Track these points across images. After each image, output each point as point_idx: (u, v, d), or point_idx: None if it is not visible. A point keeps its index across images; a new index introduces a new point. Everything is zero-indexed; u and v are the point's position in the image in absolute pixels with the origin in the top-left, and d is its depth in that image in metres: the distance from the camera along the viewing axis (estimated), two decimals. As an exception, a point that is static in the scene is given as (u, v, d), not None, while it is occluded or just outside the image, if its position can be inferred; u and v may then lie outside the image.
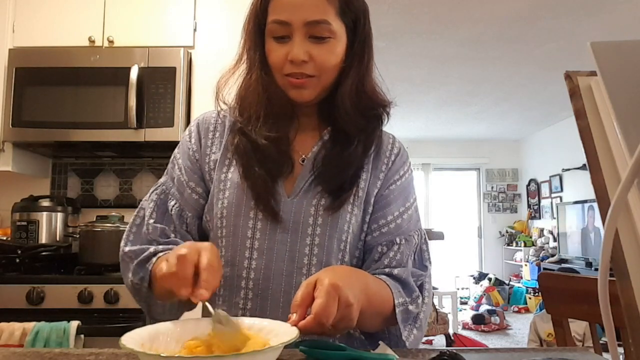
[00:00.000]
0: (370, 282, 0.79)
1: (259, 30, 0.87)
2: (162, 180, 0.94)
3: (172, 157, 0.96)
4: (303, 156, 0.90)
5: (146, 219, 0.89)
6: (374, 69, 0.91)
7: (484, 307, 5.85)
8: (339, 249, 0.86)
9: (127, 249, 0.86)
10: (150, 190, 0.93)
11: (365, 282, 0.76)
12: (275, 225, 0.85)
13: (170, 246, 0.84)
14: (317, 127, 0.93)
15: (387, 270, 0.86)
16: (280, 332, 0.64)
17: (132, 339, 0.59)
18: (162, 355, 0.56)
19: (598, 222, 5.26)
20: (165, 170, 0.96)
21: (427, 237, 0.96)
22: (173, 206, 0.89)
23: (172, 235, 0.88)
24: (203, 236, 0.93)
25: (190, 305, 0.86)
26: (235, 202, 0.86)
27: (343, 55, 0.86)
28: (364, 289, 0.73)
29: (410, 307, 0.84)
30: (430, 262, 0.93)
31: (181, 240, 0.87)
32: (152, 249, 0.83)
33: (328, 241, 0.85)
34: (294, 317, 0.65)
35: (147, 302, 0.85)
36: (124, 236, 0.89)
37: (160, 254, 0.81)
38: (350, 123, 0.88)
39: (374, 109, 0.92)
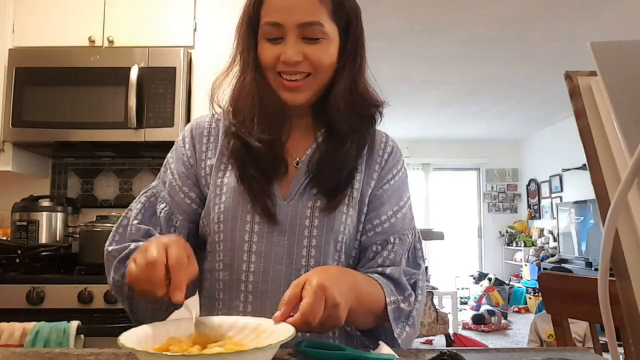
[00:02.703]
0: (360, 281, 0.80)
1: (252, 32, 0.87)
2: (153, 183, 0.94)
3: (165, 161, 0.96)
4: (297, 159, 0.90)
5: (131, 219, 0.88)
6: (366, 69, 0.92)
7: (484, 307, 5.84)
8: (335, 249, 0.87)
9: (110, 248, 0.86)
10: (140, 193, 0.93)
11: (355, 282, 0.77)
12: (272, 228, 0.85)
13: None
14: (310, 128, 0.93)
15: (380, 269, 0.87)
16: (276, 331, 0.65)
17: (130, 338, 0.59)
18: (162, 354, 0.56)
19: (598, 222, 5.26)
20: (158, 174, 0.96)
21: (420, 235, 0.96)
22: (162, 209, 0.89)
23: (158, 235, 0.87)
24: (196, 240, 0.93)
25: (176, 305, 0.86)
26: (232, 206, 0.86)
27: (336, 56, 0.87)
28: (353, 288, 0.74)
29: (402, 305, 0.84)
30: (424, 260, 0.94)
31: None
32: (132, 245, 0.83)
33: (325, 242, 0.86)
34: (277, 314, 0.67)
35: (130, 302, 0.84)
36: (110, 236, 0.89)
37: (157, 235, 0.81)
38: (344, 123, 0.88)
39: (367, 109, 0.92)
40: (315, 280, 0.67)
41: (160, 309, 0.84)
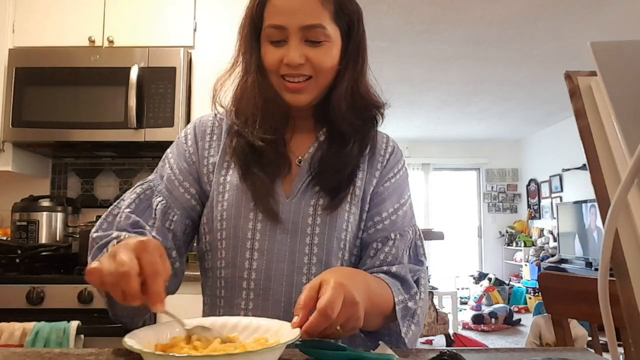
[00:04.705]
0: (371, 282, 0.80)
1: (254, 34, 0.88)
2: (150, 177, 0.93)
3: (163, 156, 0.96)
4: (299, 157, 0.91)
5: (122, 208, 0.87)
6: (368, 71, 0.92)
7: (492, 307, 5.79)
8: (339, 247, 0.87)
9: (95, 235, 0.84)
10: (136, 185, 0.92)
11: (367, 283, 0.77)
12: (275, 226, 0.86)
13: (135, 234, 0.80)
14: (312, 128, 0.94)
15: (385, 268, 0.87)
16: (282, 332, 0.64)
17: (136, 339, 0.59)
18: (169, 355, 0.56)
19: (599, 222, 5.27)
20: (155, 169, 0.95)
21: (421, 233, 0.96)
22: (159, 202, 0.88)
23: (147, 228, 0.85)
24: (191, 238, 0.93)
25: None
26: (235, 203, 0.86)
27: (338, 58, 0.87)
28: (366, 290, 0.73)
29: (410, 304, 0.85)
30: (425, 257, 0.94)
31: (157, 236, 0.85)
32: (115, 234, 0.80)
33: (327, 241, 0.86)
34: (295, 319, 0.64)
35: (107, 295, 0.79)
36: (97, 223, 0.87)
37: (125, 234, 0.78)
38: (346, 124, 0.89)
39: (368, 110, 0.93)
40: (333, 279, 0.66)
41: (139, 311, 0.81)
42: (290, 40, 0.83)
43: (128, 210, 0.86)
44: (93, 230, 0.86)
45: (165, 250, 0.68)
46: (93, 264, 0.63)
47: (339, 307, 0.63)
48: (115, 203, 0.90)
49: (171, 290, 0.89)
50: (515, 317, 5.84)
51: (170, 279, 0.84)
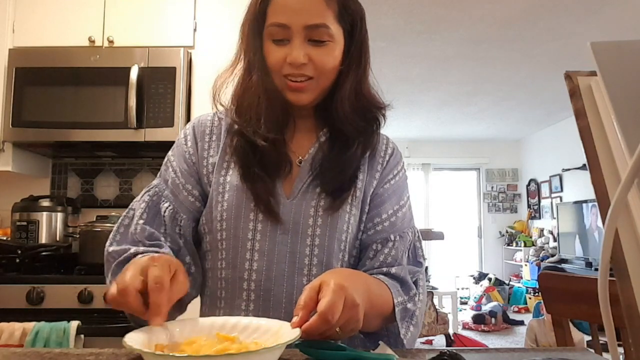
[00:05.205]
0: (370, 283, 0.80)
1: (257, 32, 0.87)
2: (154, 182, 0.93)
3: (165, 159, 0.95)
4: (300, 158, 0.91)
5: (135, 219, 0.87)
6: (370, 72, 0.92)
7: (489, 305, 5.81)
8: (339, 249, 0.87)
9: (111, 249, 0.85)
10: (142, 192, 0.92)
11: (366, 284, 0.77)
12: (275, 227, 0.85)
13: (153, 249, 0.82)
14: (313, 128, 0.93)
15: (384, 269, 0.87)
16: (282, 332, 0.64)
17: (136, 339, 0.59)
18: (169, 355, 0.56)
19: (599, 222, 5.27)
20: (159, 173, 0.95)
21: (420, 235, 0.96)
22: (167, 208, 0.88)
23: (162, 238, 0.86)
24: (198, 240, 0.93)
25: (181, 310, 0.85)
26: (235, 204, 0.86)
27: (341, 58, 0.87)
28: (366, 291, 0.73)
29: (409, 305, 0.85)
30: (424, 259, 0.95)
31: (170, 244, 0.86)
32: (133, 249, 0.81)
33: (328, 242, 0.86)
34: (295, 319, 0.64)
35: None
36: (111, 236, 0.88)
37: (140, 256, 0.79)
38: (349, 125, 0.89)
39: (371, 111, 0.93)
40: (333, 281, 0.66)
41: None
42: (293, 40, 0.83)
43: (142, 221, 0.86)
44: (107, 243, 0.87)
45: (181, 265, 0.70)
46: (110, 290, 0.67)
47: (339, 311, 0.63)
48: (125, 213, 0.90)
49: (192, 295, 0.90)
50: (513, 317, 5.85)
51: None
